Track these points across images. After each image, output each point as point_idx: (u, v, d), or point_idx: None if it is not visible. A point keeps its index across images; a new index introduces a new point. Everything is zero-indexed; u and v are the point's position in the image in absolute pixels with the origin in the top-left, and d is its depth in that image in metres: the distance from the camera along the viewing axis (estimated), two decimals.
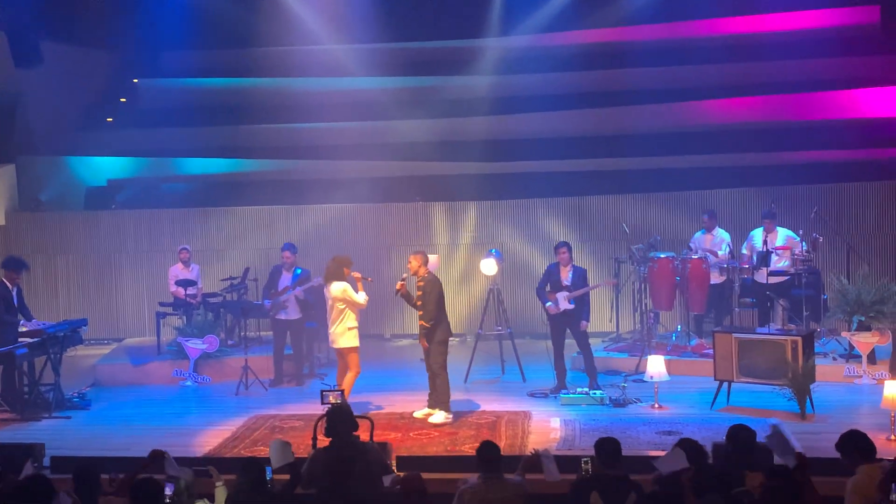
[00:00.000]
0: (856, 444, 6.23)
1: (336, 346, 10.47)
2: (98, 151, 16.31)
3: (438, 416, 10.12)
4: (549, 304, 11.23)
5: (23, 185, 16.04)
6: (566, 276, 11.23)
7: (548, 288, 11.31)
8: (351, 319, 10.34)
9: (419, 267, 10.36)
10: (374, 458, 7.03)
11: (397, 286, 10.43)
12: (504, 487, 6.48)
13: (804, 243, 12.27)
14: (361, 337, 13.78)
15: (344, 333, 10.34)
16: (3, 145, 15.58)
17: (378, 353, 14.01)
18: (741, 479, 5.97)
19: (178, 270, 13.34)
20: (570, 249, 11.39)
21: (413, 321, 15.05)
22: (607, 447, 6.52)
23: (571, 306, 11.14)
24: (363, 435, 7.71)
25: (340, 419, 7.12)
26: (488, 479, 6.48)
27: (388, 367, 13.04)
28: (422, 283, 10.35)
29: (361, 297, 10.35)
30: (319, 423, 7.52)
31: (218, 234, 15.34)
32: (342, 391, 8.51)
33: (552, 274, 11.36)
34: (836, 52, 15.30)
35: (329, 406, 7.87)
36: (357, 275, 10.44)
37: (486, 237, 14.92)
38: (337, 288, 10.32)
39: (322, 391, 8.35)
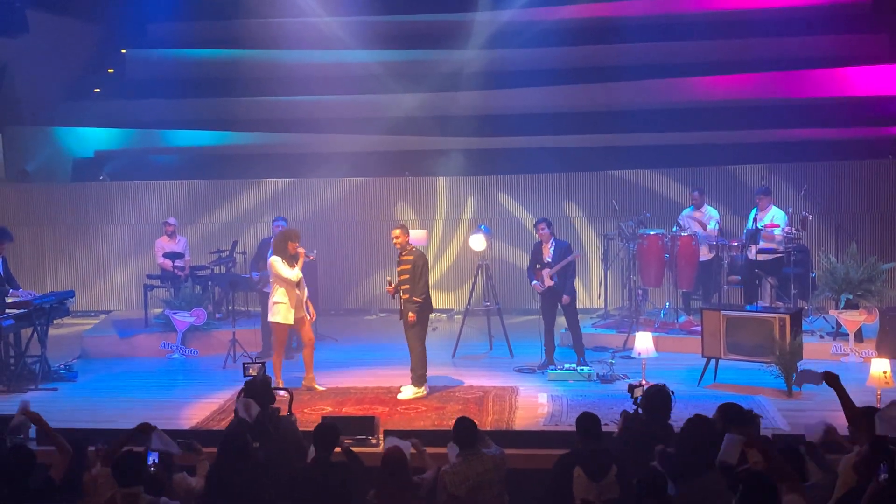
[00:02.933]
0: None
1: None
2: (85, 122, 16.21)
3: (408, 392, 10.08)
4: (535, 282, 11.22)
5: (9, 156, 15.94)
6: (548, 252, 11.21)
7: (537, 266, 11.29)
8: (279, 294, 10.23)
9: (406, 240, 10.31)
10: (287, 430, 7.00)
11: (388, 290, 10.36)
12: (483, 462, 6.51)
13: (789, 226, 12.27)
14: (345, 312, 13.80)
15: (271, 307, 10.32)
16: None
17: (363, 327, 14.02)
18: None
19: (163, 243, 13.28)
20: (548, 225, 11.27)
21: (397, 296, 15.10)
22: (587, 422, 6.53)
23: (553, 282, 11.13)
24: (283, 408, 7.81)
25: (254, 392, 7.21)
26: (467, 455, 6.50)
27: (373, 341, 13.02)
28: (410, 258, 10.25)
29: (290, 273, 10.17)
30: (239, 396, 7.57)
31: (206, 207, 15.28)
32: (262, 364, 8.43)
33: (537, 252, 11.35)
34: (827, 30, 15.27)
35: (249, 378, 7.90)
36: (301, 250, 10.32)
37: (476, 212, 14.89)
38: (270, 260, 10.30)
39: (244, 363, 8.32)
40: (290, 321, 10.26)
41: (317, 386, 10.32)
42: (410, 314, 10.15)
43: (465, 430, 6.60)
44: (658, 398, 6.91)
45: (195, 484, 6.60)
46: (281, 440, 6.93)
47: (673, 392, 7.10)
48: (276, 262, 10.21)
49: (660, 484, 5.44)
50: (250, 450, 6.55)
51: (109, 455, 6.34)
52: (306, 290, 10.55)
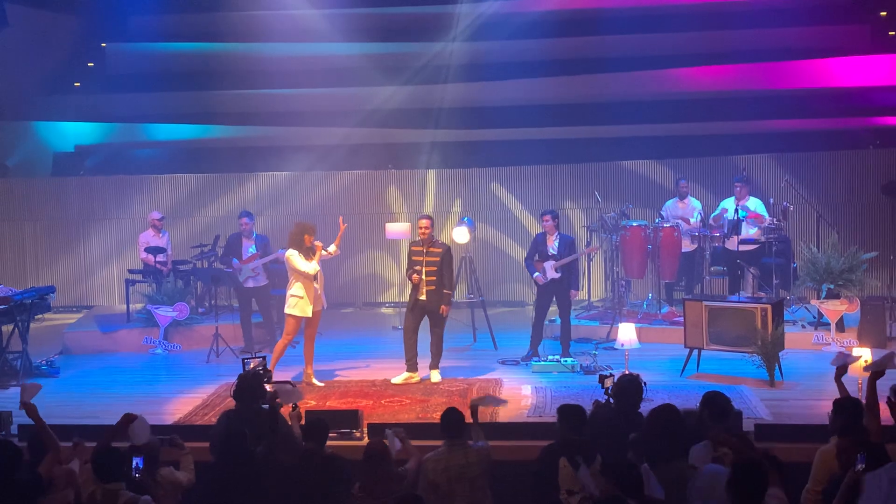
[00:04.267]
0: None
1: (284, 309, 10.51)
2: (65, 116, 16.09)
3: (438, 375, 10.36)
4: (536, 274, 11.20)
5: None
6: (552, 244, 11.20)
7: (536, 257, 11.29)
8: (296, 288, 10.22)
9: (431, 232, 10.45)
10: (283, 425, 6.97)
11: (414, 279, 10.37)
12: (467, 453, 6.52)
13: (771, 216, 12.33)
14: (332, 305, 13.77)
15: (288, 300, 10.31)
16: None
17: (351, 321, 14.01)
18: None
19: (149, 237, 13.19)
20: (554, 217, 11.30)
21: (385, 289, 15.13)
22: (571, 413, 6.55)
23: (558, 275, 11.13)
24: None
25: (246, 385, 7.23)
26: (452, 445, 6.51)
27: (360, 335, 13.03)
28: (438, 250, 10.38)
29: (308, 267, 10.16)
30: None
31: (187, 201, 15.21)
32: (264, 357, 8.41)
33: (539, 243, 11.33)
34: (807, 21, 15.32)
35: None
36: (318, 244, 10.30)
37: (458, 205, 14.88)
38: (287, 254, 10.27)
39: (243, 359, 8.29)
40: (308, 314, 10.24)
41: (315, 381, 10.28)
42: (443, 306, 10.31)
43: (451, 421, 6.60)
44: (629, 388, 6.95)
45: (183, 478, 6.58)
46: (279, 436, 6.85)
47: (645, 383, 7.13)
48: (293, 256, 10.17)
49: (635, 478, 5.45)
50: (248, 448, 6.52)
51: (94, 450, 6.31)
52: (323, 281, 10.52)
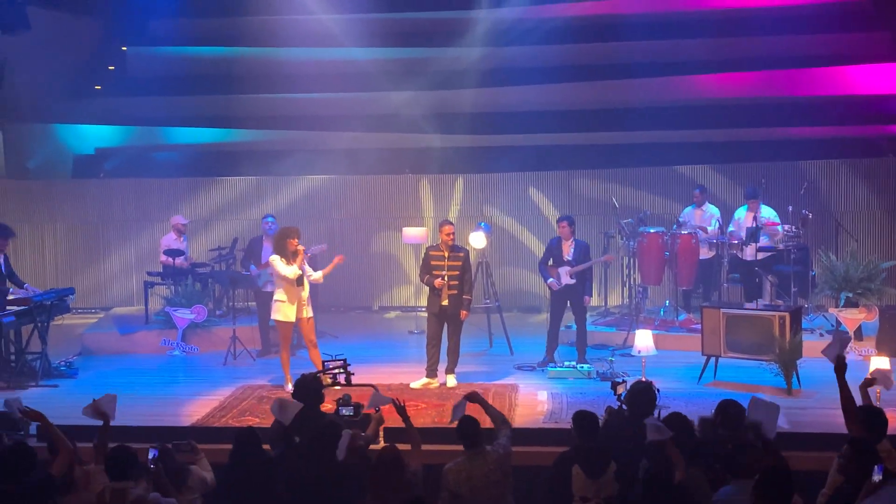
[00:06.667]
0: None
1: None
2: (86, 119, 16.18)
3: (455, 380, 10.43)
4: (550, 280, 11.18)
5: (10, 153, 15.92)
6: (568, 250, 11.18)
7: (550, 262, 11.27)
8: (279, 293, 10.24)
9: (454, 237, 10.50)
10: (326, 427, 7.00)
11: (437, 284, 10.38)
12: (486, 461, 6.50)
13: (789, 224, 12.30)
14: (348, 309, 13.81)
15: (273, 305, 10.35)
16: None
17: (366, 325, 14.03)
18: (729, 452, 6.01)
19: (170, 240, 13.24)
20: (571, 223, 11.27)
21: (400, 293, 15.15)
22: (584, 420, 6.54)
23: (573, 281, 11.11)
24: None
25: (306, 387, 7.32)
26: (472, 455, 6.50)
27: (376, 339, 13.04)
28: (460, 255, 10.45)
29: (286, 270, 10.15)
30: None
31: (206, 204, 15.28)
32: (345, 359, 8.49)
33: (553, 249, 11.31)
34: (827, 28, 15.27)
35: (330, 376, 7.99)
36: (301, 248, 10.28)
37: (475, 210, 14.90)
38: (270, 258, 10.32)
39: (325, 361, 8.35)
40: (292, 318, 10.24)
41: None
42: (463, 311, 10.42)
43: (467, 431, 6.59)
44: (641, 395, 6.94)
45: (209, 477, 6.62)
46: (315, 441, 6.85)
47: (658, 390, 7.12)
48: (275, 261, 10.21)
49: (665, 477, 5.47)
50: (263, 453, 6.55)
51: (100, 450, 6.38)
52: (308, 288, 10.50)
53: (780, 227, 12.31)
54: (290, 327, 10.38)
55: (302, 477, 6.48)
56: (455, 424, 6.70)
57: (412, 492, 6.35)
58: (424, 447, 6.91)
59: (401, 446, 6.53)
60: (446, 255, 10.43)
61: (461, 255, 10.46)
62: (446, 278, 10.34)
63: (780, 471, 5.18)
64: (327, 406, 8.09)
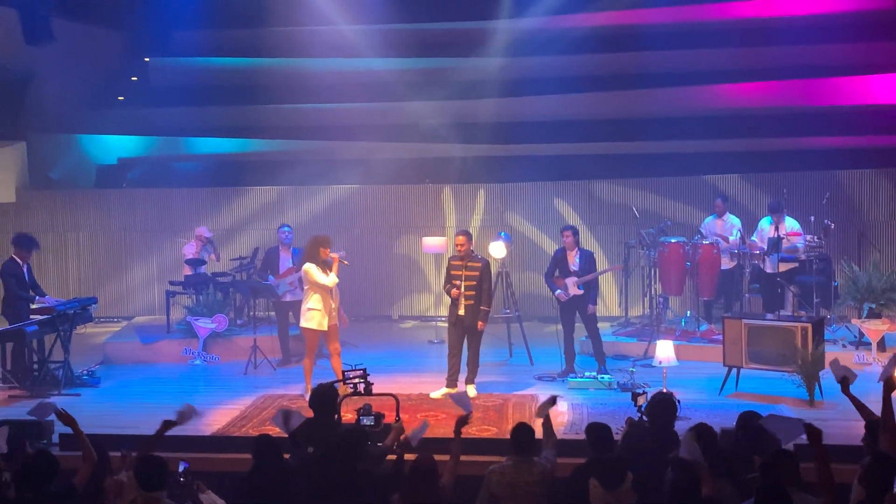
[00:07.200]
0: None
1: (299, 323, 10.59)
2: (109, 130, 16.31)
3: (475, 390, 10.36)
4: (558, 291, 11.18)
5: (34, 163, 16.06)
6: (573, 260, 11.18)
7: (557, 273, 11.26)
8: (313, 301, 10.24)
9: (469, 247, 10.43)
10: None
11: (453, 294, 10.38)
12: (532, 471, 6.48)
13: (811, 234, 12.23)
14: (368, 318, 13.83)
15: (304, 313, 10.34)
16: (14, 123, 15.58)
17: (385, 334, 14.03)
18: (751, 464, 5.97)
19: (192, 250, 13.33)
20: (575, 233, 11.28)
21: (420, 303, 15.16)
22: (597, 433, 6.51)
23: (580, 291, 11.10)
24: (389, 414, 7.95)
25: (321, 397, 7.31)
26: (519, 461, 6.48)
27: (396, 348, 13.05)
28: (476, 265, 10.39)
29: (326, 279, 10.19)
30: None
31: (227, 214, 15.35)
32: (364, 369, 8.51)
33: (559, 259, 11.31)
34: (850, 38, 15.16)
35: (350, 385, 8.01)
36: (335, 256, 10.34)
37: (496, 220, 14.89)
38: (304, 267, 10.32)
39: (344, 371, 8.38)
40: (325, 327, 10.28)
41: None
42: (480, 322, 10.32)
43: (521, 436, 6.58)
44: (662, 406, 6.90)
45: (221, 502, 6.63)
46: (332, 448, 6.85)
47: (679, 401, 7.08)
48: (312, 269, 10.21)
49: (692, 490, 5.44)
50: (281, 461, 6.56)
51: (135, 459, 6.39)
52: (339, 297, 10.55)
53: (801, 239, 12.23)
54: (319, 336, 10.40)
55: (320, 485, 6.49)
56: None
57: (440, 501, 6.35)
58: (446, 457, 6.89)
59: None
60: (463, 264, 10.42)
61: (479, 265, 10.42)
62: (462, 288, 10.32)
63: (778, 488, 5.14)
64: (348, 416, 8.10)
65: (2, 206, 15.51)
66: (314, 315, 10.24)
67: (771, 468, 5.56)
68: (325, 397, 7.44)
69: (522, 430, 6.60)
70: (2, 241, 15.23)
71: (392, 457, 6.90)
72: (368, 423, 7.47)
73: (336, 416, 7.61)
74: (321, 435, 6.95)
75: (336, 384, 7.98)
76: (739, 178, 14.46)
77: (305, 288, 10.38)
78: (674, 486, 5.70)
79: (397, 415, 8.07)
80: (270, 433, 7.36)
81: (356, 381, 8.22)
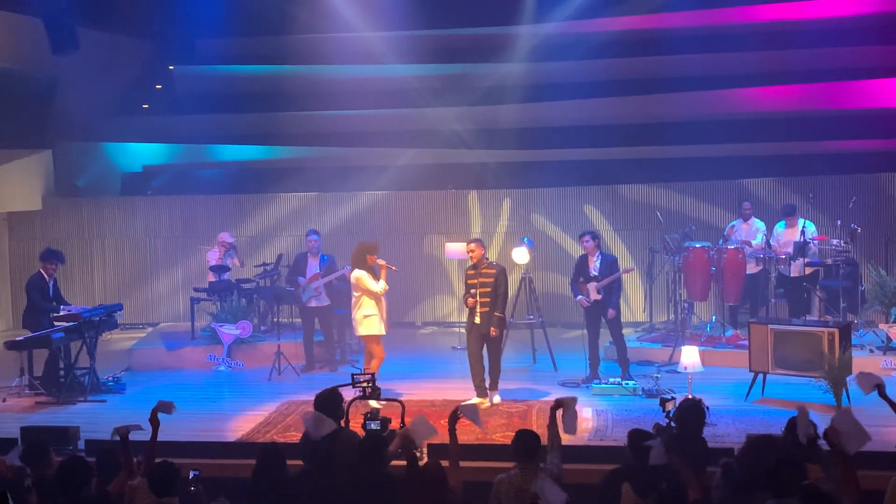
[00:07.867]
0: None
1: (356, 332, 10.64)
2: (134, 138, 16.43)
3: (498, 397, 10.31)
4: (580, 297, 11.15)
5: (60, 171, 16.20)
6: (593, 265, 11.14)
7: (581, 279, 11.22)
8: (369, 307, 10.33)
9: (481, 254, 10.38)
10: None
11: (469, 303, 10.36)
12: (539, 478, 6.44)
13: (838, 238, 12.15)
14: (394, 325, 13.81)
15: (361, 321, 10.40)
16: (40, 131, 15.73)
17: (407, 340, 14.03)
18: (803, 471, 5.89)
19: (214, 256, 13.40)
20: (594, 237, 11.22)
21: (442, 309, 15.15)
22: (641, 440, 6.46)
23: (600, 296, 11.05)
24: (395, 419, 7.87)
25: (325, 406, 7.19)
26: (526, 469, 6.44)
27: (418, 354, 13.05)
28: (491, 272, 10.33)
29: (377, 286, 10.31)
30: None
31: (251, 221, 15.42)
32: (372, 374, 8.50)
33: (581, 265, 11.27)
34: (874, 40, 15.03)
35: (359, 390, 7.98)
36: (382, 262, 10.42)
37: (519, 225, 14.87)
38: (355, 274, 10.36)
39: (353, 374, 8.36)
40: (384, 331, 10.42)
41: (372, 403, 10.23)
42: (493, 329, 10.23)
43: (525, 444, 6.54)
44: (691, 412, 6.85)
45: None
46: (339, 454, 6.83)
47: (708, 407, 7.02)
48: (364, 277, 10.32)
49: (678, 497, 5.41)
50: (285, 469, 6.54)
51: (146, 465, 6.43)
52: (386, 304, 10.62)
53: (827, 241, 12.14)
54: (380, 340, 10.48)
55: (324, 491, 6.48)
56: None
57: None
58: (469, 464, 6.86)
59: (472, 463, 6.49)
60: (477, 272, 10.39)
61: (493, 271, 10.33)
62: (477, 296, 10.29)
63: (823, 493, 5.07)
64: (356, 420, 8.05)
65: (28, 213, 15.66)
66: (373, 321, 10.36)
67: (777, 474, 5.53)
68: (328, 402, 7.37)
69: (526, 437, 6.56)
70: (28, 248, 15.41)
71: (401, 462, 6.86)
72: (375, 427, 7.41)
73: (343, 420, 7.54)
74: (324, 440, 6.92)
75: (337, 389, 7.90)
76: (764, 182, 14.36)
77: (356, 295, 10.43)
78: (660, 495, 5.65)
79: (402, 421, 8.03)
80: (285, 440, 7.34)
81: (364, 385, 8.15)
